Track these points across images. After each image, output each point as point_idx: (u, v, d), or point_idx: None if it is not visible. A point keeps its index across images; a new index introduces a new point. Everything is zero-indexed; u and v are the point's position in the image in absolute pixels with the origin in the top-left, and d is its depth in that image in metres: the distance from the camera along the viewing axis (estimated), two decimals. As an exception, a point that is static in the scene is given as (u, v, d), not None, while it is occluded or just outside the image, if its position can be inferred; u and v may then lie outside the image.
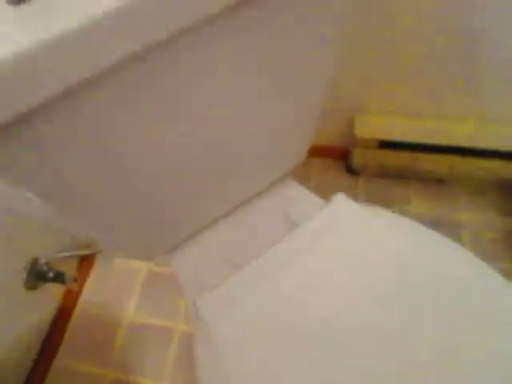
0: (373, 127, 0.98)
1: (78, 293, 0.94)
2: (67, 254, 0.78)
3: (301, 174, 1.12)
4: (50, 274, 0.79)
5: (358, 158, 1.04)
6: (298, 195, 0.62)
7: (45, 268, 0.79)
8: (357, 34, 0.80)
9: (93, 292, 0.96)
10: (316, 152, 1.13)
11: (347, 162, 1.11)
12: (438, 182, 1.08)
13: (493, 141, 0.94)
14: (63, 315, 0.91)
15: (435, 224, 1.01)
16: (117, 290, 0.96)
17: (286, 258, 0.51)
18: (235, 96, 0.39)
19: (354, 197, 1.07)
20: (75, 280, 0.79)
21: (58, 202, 0.36)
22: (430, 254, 0.48)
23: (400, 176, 1.08)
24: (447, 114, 0.95)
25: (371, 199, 1.07)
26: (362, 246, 0.50)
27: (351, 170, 1.11)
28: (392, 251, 0.49)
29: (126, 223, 0.45)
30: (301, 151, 0.59)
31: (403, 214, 1.04)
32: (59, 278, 0.79)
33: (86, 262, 0.97)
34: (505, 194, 1.03)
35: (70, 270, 0.92)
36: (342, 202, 0.56)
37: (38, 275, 0.80)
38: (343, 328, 0.44)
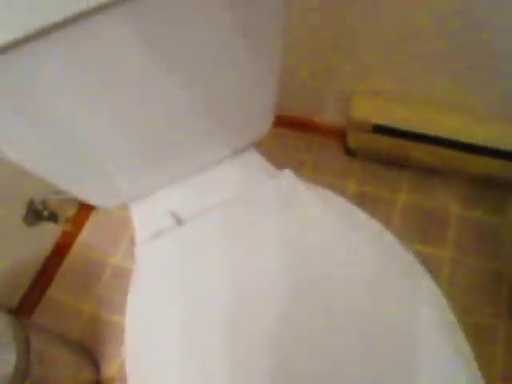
0: (368, 110, 0.99)
1: (76, 234, 1.04)
2: (60, 196, 0.86)
3: (300, 152, 1.15)
4: (45, 214, 0.89)
5: (353, 140, 1.06)
6: (256, 166, 0.66)
7: (40, 208, 0.88)
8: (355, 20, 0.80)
9: (89, 234, 1.06)
10: (316, 130, 1.15)
11: (345, 143, 1.12)
12: (431, 173, 1.07)
13: (490, 138, 0.93)
14: (59, 252, 1.02)
15: (421, 214, 1.02)
16: (111, 234, 1.06)
17: (216, 224, 0.56)
18: (165, 69, 0.43)
19: (346, 179, 1.09)
20: (67, 221, 0.88)
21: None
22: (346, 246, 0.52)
23: (394, 162, 1.08)
24: (446, 104, 0.94)
25: (363, 183, 1.08)
26: (285, 225, 0.55)
27: (348, 152, 1.12)
28: (314, 240, 0.53)
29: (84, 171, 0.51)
30: (261, 124, 0.63)
31: (392, 201, 1.05)
32: (53, 217, 0.89)
33: (86, 206, 1.07)
34: (494, 192, 1.02)
35: (68, 212, 1.02)
36: (286, 178, 0.60)
37: (35, 213, 0.89)
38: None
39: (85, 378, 0.84)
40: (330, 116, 1.10)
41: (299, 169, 1.12)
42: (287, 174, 0.60)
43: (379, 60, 0.89)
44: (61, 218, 0.89)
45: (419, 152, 1.01)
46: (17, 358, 0.64)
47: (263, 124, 0.63)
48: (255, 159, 0.67)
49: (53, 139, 0.44)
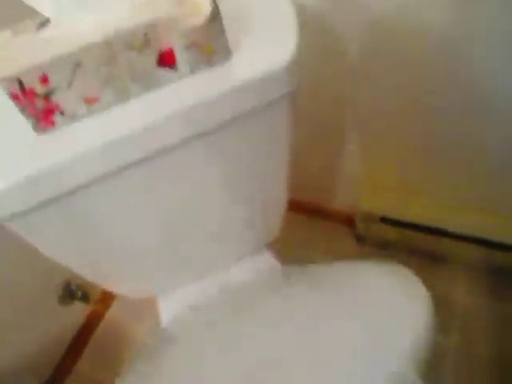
0: (376, 203, 1.08)
1: (104, 311, 1.13)
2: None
3: (310, 238, 1.23)
4: (79, 294, 0.98)
5: (362, 228, 1.14)
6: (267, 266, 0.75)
7: (74, 288, 0.98)
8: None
9: (117, 312, 1.15)
10: (326, 216, 1.23)
11: (354, 229, 1.20)
12: (438, 261, 1.13)
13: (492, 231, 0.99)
14: (87, 330, 1.10)
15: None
16: (136, 314, 1.14)
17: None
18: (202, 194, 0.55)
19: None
20: (96, 301, 0.97)
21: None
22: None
23: (403, 249, 1.15)
24: (448, 201, 1.02)
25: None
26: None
27: (359, 238, 1.20)
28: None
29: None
30: (271, 232, 0.73)
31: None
32: (85, 298, 0.98)
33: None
34: (498, 280, 1.07)
35: (97, 292, 1.11)
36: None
37: (70, 294, 0.99)
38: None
39: None
40: (339, 202, 1.19)
41: (312, 253, 1.20)
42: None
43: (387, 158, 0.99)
44: (91, 298, 0.98)
45: (425, 241, 1.08)
46: None
47: (274, 231, 0.73)
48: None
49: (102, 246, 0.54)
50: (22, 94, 0.42)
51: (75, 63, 0.42)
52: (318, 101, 0.91)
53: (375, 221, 1.09)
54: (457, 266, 1.11)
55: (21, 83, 0.42)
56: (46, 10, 0.47)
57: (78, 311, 1.07)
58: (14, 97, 0.42)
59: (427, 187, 1.03)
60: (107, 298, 1.14)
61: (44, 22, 0.46)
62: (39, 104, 0.43)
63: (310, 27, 0.75)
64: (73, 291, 0.98)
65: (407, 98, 0.83)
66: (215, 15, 0.44)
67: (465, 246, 1.03)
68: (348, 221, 1.22)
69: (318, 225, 1.25)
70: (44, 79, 0.42)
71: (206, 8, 0.44)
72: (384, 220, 1.08)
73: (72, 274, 0.98)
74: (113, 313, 1.15)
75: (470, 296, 1.06)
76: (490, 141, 0.84)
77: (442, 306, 1.05)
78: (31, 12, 0.47)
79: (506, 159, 0.86)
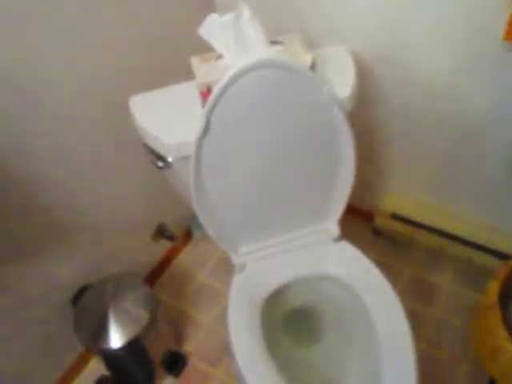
0: (394, 205, 1.43)
1: (178, 251, 1.56)
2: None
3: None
4: (167, 233, 1.38)
5: (379, 224, 1.49)
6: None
7: (165, 229, 1.38)
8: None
9: (186, 254, 1.57)
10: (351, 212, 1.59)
11: (372, 224, 1.55)
12: (435, 255, 1.47)
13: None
14: (166, 262, 1.52)
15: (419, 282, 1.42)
16: (201, 258, 1.55)
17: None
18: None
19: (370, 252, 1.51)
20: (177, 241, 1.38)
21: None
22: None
23: (408, 244, 1.49)
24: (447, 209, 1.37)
25: (383, 256, 1.50)
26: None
27: (375, 231, 1.55)
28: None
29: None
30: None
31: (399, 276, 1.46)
32: (173, 237, 1.38)
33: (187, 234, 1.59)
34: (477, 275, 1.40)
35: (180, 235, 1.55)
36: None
37: (161, 233, 1.39)
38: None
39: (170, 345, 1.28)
40: (362, 202, 1.55)
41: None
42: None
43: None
44: (175, 238, 1.38)
45: (426, 238, 1.42)
46: (150, 316, 1.09)
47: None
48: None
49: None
50: (207, 93, 0.82)
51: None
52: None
53: (389, 218, 1.45)
54: (447, 261, 1.45)
55: (209, 88, 0.81)
56: (220, 49, 0.86)
57: (163, 247, 1.48)
58: (203, 95, 0.82)
59: (433, 195, 1.37)
60: (186, 240, 1.57)
61: (219, 56, 0.86)
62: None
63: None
64: (164, 231, 1.38)
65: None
66: (312, 67, 0.83)
67: (456, 246, 1.37)
68: (366, 216, 1.56)
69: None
70: (220, 88, 0.82)
71: (308, 61, 0.82)
72: (396, 218, 1.43)
73: (166, 219, 1.39)
74: (185, 253, 1.57)
75: (454, 284, 1.40)
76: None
77: (430, 289, 1.39)
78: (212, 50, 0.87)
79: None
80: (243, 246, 1.03)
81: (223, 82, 0.75)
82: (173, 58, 1.15)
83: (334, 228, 1.05)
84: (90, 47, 0.99)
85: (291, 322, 1.11)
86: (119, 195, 1.23)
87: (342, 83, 0.87)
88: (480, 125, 1.08)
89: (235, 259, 1.01)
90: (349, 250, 1.03)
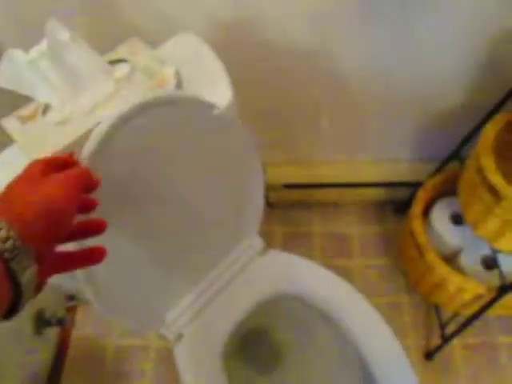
0: (279, 175, 1.34)
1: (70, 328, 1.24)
2: (68, 304, 1.06)
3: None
4: (54, 321, 1.08)
5: (270, 196, 1.41)
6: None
7: (48, 316, 1.07)
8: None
9: (81, 326, 1.26)
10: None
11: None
12: (334, 206, 1.46)
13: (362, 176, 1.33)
14: (62, 349, 1.20)
15: (329, 237, 1.40)
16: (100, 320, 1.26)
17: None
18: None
19: (271, 225, 1.44)
20: (71, 323, 1.08)
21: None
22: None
23: (304, 205, 1.45)
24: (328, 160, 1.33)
25: (285, 225, 1.43)
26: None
27: (268, 205, 1.46)
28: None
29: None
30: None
31: (310, 233, 1.42)
32: (62, 323, 1.08)
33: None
34: (379, 210, 1.44)
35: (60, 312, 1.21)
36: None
37: (43, 322, 1.08)
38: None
39: None
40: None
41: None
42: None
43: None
44: (67, 322, 1.09)
45: (320, 194, 1.39)
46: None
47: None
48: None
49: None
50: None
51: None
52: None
53: (280, 187, 1.37)
54: (346, 207, 1.46)
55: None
56: (42, 97, 0.60)
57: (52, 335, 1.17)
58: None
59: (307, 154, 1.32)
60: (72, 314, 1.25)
61: (46, 108, 0.60)
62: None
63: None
64: (48, 319, 1.07)
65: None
66: (179, 84, 0.63)
67: (353, 191, 1.37)
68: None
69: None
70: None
71: (171, 79, 0.62)
72: (287, 186, 1.36)
73: (45, 302, 1.07)
74: (79, 327, 1.26)
75: (360, 225, 1.42)
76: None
77: (343, 239, 1.39)
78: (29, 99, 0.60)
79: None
80: (168, 313, 0.82)
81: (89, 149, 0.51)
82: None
83: (257, 240, 0.91)
84: None
85: (249, 348, 0.99)
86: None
87: (218, 88, 0.69)
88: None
89: (167, 333, 0.81)
90: (281, 257, 0.91)
